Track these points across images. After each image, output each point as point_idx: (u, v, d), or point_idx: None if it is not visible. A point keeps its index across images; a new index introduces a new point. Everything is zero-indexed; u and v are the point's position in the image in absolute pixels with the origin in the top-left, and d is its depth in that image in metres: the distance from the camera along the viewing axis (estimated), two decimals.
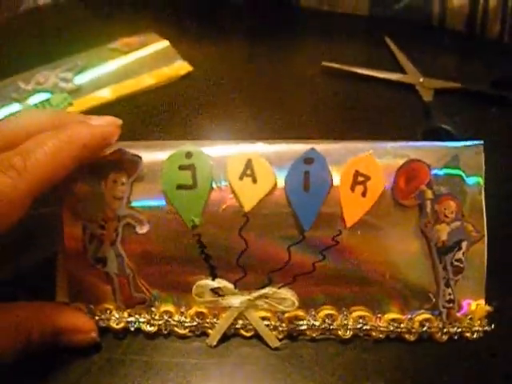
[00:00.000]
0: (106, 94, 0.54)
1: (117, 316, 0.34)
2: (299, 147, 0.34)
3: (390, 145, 0.34)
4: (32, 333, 0.31)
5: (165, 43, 0.60)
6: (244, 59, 0.60)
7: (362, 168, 0.33)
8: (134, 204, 0.33)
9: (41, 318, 0.32)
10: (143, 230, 0.33)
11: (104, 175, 0.33)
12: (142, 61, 0.58)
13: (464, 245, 0.33)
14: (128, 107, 0.52)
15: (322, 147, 0.33)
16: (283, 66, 0.59)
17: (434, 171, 0.33)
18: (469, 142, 0.34)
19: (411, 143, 0.34)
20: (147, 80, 0.56)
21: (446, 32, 0.63)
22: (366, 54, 0.61)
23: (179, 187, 0.33)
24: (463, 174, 0.33)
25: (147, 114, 0.51)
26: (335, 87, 0.55)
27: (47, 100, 0.52)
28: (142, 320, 0.34)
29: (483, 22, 0.60)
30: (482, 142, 0.34)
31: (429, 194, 0.33)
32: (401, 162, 0.33)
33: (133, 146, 0.34)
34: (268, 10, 0.68)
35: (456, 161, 0.33)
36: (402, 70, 0.57)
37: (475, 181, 0.33)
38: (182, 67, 0.57)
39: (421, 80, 0.54)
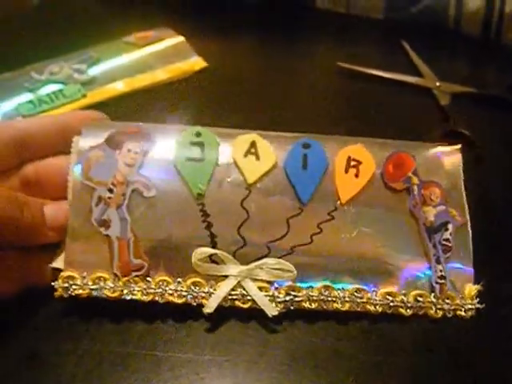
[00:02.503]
0: (120, 87, 0.54)
1: (111, 285, 0.33)
2: (298, 136, 0.38)
3: (379, 141, 0.38)
4: (24, 210, 0.32)
5: (180, 38, 0.61)
6: (259, 57, 0.61)
7: (354, 155, 0.37)
8: (143, 171, 0.35)
9: (33, 201, 0.33)
10: (150, 193, 0.35)
11: (120, 144, 0.36)
12: (156, 55, 0.58)
13: (450, 226, 0.35)
14: (142, 101, 0.52)
15: (316, 137, 0.37)
16: (298, 64, 0.59)
17: (419, 159, 0.37)
18: (448, 147, 0.39)
19: (397, 141, 0.39)
20: (161, 74, 0.56)
21: (462, 36, 0.63)
22: (382, 56, 0.62)
23: (189, 159, 0.36)
24: (444, 165, 0.37)
25: (161, 108, 0.51)
26: (350, 88, 0.55)
27: (60, 91, 0.52)
28: (137, 289, 0.33)
29: (498, 26, 0.61)
30: (459, 146, 0.38)
31: (415, 179, 0.36)
32: (388, 152, 0.37)
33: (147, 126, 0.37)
34: (283, 9, 0.68)
35: (439, 152, 0.38)
36: (418, 74, 0.57)
37: (455, 172, 0.37)
38: (196, 63, 0.58)
39: (438, 84, 0.55)
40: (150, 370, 0.31)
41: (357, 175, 0.36)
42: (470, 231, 0.36)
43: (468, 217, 0.36)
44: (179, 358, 0.32)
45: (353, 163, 0.36)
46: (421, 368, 0.32)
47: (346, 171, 0.36)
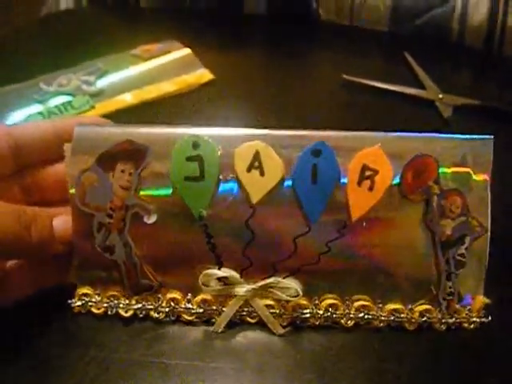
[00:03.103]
0: (128, 99, 0.54)
1: (125, 303, 0.35)
2: (307, 137, 0.33)
3: (400, 136, 0.34)
4: (32, 226, 0.32)
5: (186, 51, 0.61)
6: (265, 70, 0.60)
7: (370, 161, 0.33)
8: (141, 193, 0.33)
9: (42, 216, 0.33)
10: (151, 220, 0.33)
11: (112, 165, 0.33)
12: (163, 67, 0.58)
13: (467, 240, 0.34)
14: (149, 113, 0.53)
15: (330, 137, 0.33)
16: (303, 77, 0.59)
17: (442, 169, 0.33)
18: (479, 136, 0.34)
19: (421, 134, 0.34)
20: (169, 87, 0.56)
21: (464, 49, 0.63)
22: (386, 68, 0.62)
23: (187, 179, 0.33)
24: (471, 171, 0.33)
25: (168, 119, 0.51)
26: (354, 100, 0.56)
27: (69, 102, 0.52)
28: (149, 307, 0.35)
29: (501, 39, 0.61)
30: (491, 136, 0.34)
31: (435, 189, 0.33)
32: (409, 155, 0.33)
33: (141, 127, 0.34)
34: (289, 22, 0.68)
35: (465, 160, 0.33)
36: (421, 86, 0.58)
37: (482, 177, 0.34)
38: (203, 75, 0.58)
39: (440, 96, 0.55)
40: (156, 377, 0.33)
41: (371, 188, 0.33)
42: (489, 242, 0.34)
43: (489, 226, 0.34)
44: (186, 365, 0.34)
45: (367, 173, 0.33)
46: (425, 376, 0.33)
47: (360, 184, 0.33)
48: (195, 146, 0.33)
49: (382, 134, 0.34)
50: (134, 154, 0.33)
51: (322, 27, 0.69)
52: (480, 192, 0.34)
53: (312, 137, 0.33)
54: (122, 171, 0.33)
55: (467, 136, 0.34)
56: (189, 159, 0.33)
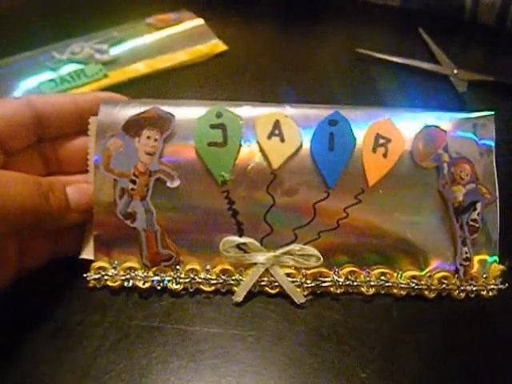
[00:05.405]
0: (141, 68, 0.54)
1: (142, 275, 0.34)
2: (324, 110, 0.36)
3: (409, 112, 0.36)
4: (50, 195, 0.32)
5: (199, 21, 0.61)
6: (279, 42, 0.60)
7: (383, 131, 0.35)
8: (165, 160, 0.34)
9: (56, 184, 0.33)
10: (174, 184, 0.34)
11: (138, 131, 0.34)
12: (176, 37, 0.58)
13: (478, 206, 0.35)
14: (162, 82, 0.53)
15: (344, 111, 0.36)
16: (317, 50, 0.59)
17: (450, 134, 0.35)
18: (481, 113, 0.37)
19: (428, 112, 0.37)
20: (181, 56, 0.56)
21: (478, 24, 0.64)
22: (400, 43, 0.62)
23: (210, 144, 0.34)
24: (476, 139, 0.36)
25: (181, 90, 0.52)
26: (368, 74, 0.56)
27: (82, 70, 0.52)
28: (167, 278, 0.34)
29: None
30: (492, 112, 0.37)
31: (445, 157, 0.35)
32: (418, 127, 0.35)
33: (165, 103, 0.35)
34: None
35: (470, 127, 0.36)
36: (435, 61, 0.58)
37: (487, 146, 0.36)
38: (216, 46, 0.58)
39: (455, 71, 0.56)
40: (175, 343, 0.33)
41: (385, 155, 0.35)
42: (499, 209, 0.35)
43: (498, 193, 0.35)
44: (205, 331, 0.33)
45: (381, 141, 0.35)
46: (442, 344, 0.33)
47: (374, 151, 0.35)
48: (218, 115, 0.35)
49: (391, 110, 0.36)
50: (160, 121, 0.34)
51: (336, 2, 0.68)
52: (486, 161, 0.36)
53: (327, 111, 0.36)
54: (148, 137, 0.34)
55: (470, 114, 0.37)
56: (212, 127, 0.34)
